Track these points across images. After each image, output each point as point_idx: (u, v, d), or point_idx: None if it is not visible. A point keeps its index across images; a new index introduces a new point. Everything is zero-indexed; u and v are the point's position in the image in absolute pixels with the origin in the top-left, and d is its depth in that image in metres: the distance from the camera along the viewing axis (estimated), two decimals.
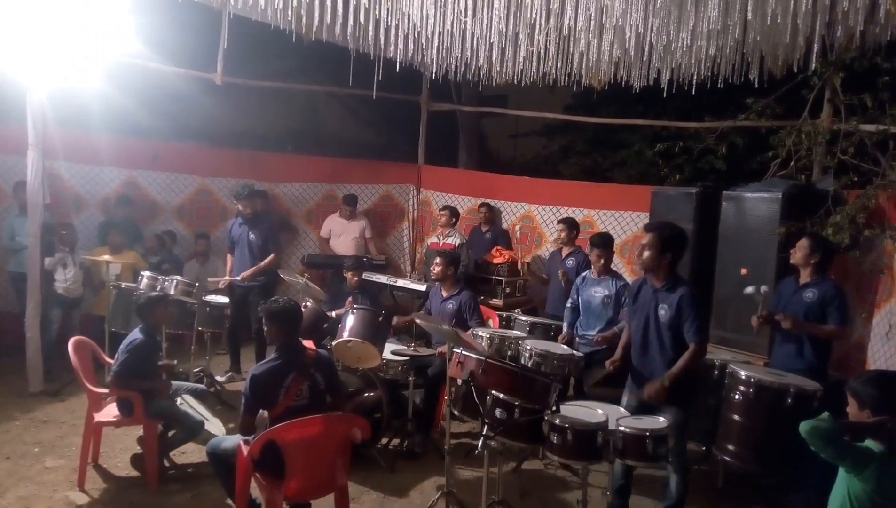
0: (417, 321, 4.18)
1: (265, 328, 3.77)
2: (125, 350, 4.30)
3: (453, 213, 7.69)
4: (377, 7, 5.56)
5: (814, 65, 5.46)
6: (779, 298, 4.68)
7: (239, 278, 6.41)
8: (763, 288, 4.50)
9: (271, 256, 6.53)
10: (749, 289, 4.54)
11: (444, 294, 5.55)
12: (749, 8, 4.75)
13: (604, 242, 5.34)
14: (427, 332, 5.09)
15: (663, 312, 3.80)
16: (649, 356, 3.88)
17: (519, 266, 7.21)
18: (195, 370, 5.98)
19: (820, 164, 5.95)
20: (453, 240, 7.42)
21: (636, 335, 3.97)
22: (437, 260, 5.58)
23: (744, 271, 5.46)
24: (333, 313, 5.69)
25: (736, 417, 4.05)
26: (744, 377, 4.04)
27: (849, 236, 5.01)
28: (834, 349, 4.67)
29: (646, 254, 3.83)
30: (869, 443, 2.63)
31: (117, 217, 7.22)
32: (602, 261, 5.25)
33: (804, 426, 2.58)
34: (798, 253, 4.54)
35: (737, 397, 4.06)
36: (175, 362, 4.96)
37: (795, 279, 4.59)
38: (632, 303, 4.06)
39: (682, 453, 3.87)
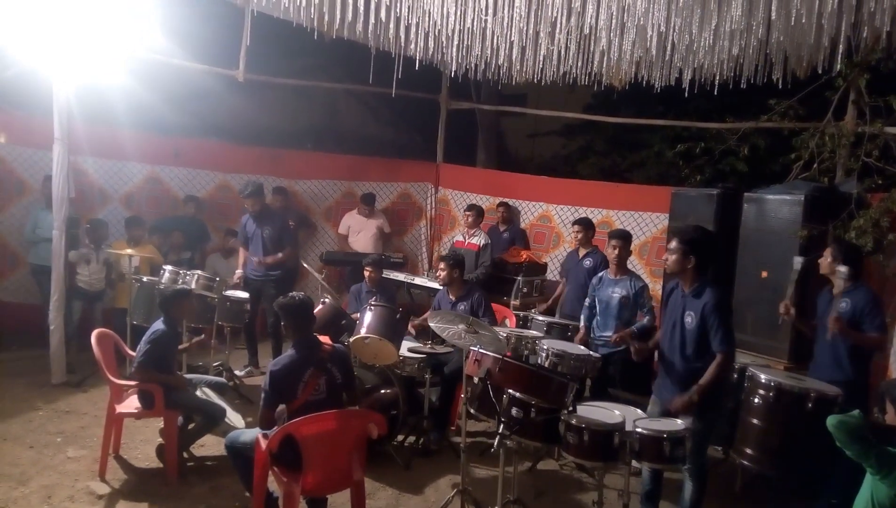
0: (431, 325, 4.17)
1: (283, 323, 3.82)
2: (147, 341, 4.36)
3: (479, 213, 7.63)
4: (398, 5, 5.57)
5: (838, 66, 5.38)
6: (815, 312, 4.59)
7: (256, 262, 6.46)
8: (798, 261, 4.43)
9: (287, 250, 6.58)
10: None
11: (453, 297, 5.53)
12: (773, 7, 4.69)
13: (621, 234, 5.31)
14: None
15: (689, 319, 3.72)
16: (671, 363, 3.83)
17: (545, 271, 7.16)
18: (214, 365, 6.04)
19: (843, 166, 5.87)
20: (478, 240, 7.38)
21: (663, 341, 3.93)
22: (442, 265, 5.56)
23: (764, 273, 5.41)
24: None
25: (755, 421, 4.02)
26: (764, 381, 4.00)
27: (872, 239, 4.94)
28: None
29: (670, 259, 3.79)
30: None
31: (185, 216, 7.38)
32: (617, 252, 5.17)
33: (832, 420, 2.57)
34: (823, 262, 4.42)
35: (756, 400, 4.02)
36: (203, 336, 5.01)
37: (830, 290, 4.44)
38: (663, 306, 4.01)
39: (702, 461, 3.81)
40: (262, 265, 6.48)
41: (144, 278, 6.06)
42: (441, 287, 5.73)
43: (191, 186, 7.78)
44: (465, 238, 7.53)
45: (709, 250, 3.83)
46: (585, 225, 6.32)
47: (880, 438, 2.60)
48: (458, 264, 5.57)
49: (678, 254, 3.75)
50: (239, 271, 6.63)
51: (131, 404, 4.48)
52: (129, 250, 6.04)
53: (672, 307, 3.88)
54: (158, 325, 4.47)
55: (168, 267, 5.92)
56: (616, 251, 5.19)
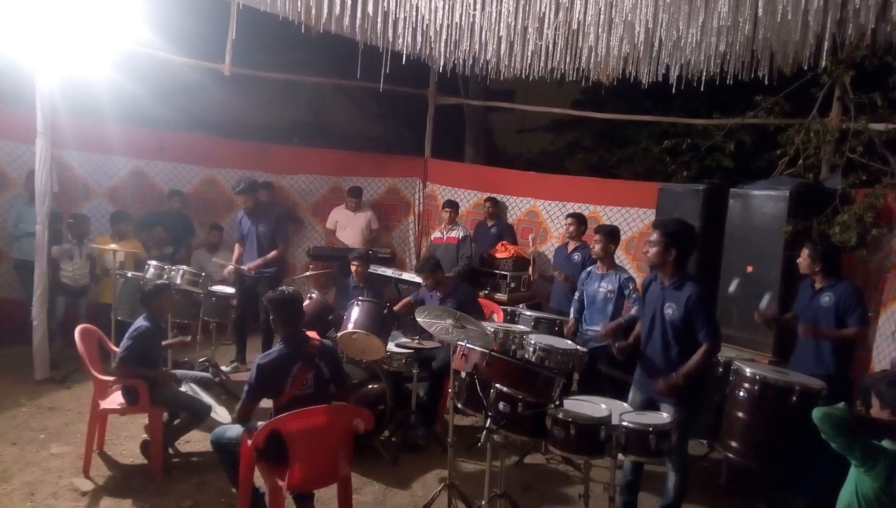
0: (419, 320, 4.16)
1: (271, 318, 3.81)
2: (129, 337, 4.33)
3: (456, 208, 7.72)
4: None
5: (824, 63, 5.42)
6: (797, 303, 4.66)
7: (246, 269, 6.42)
8: (734, 283, 4.55)
9: (279, 248, 6.54)
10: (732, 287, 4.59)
11: (441, 295, 5.53)
12: (759, 4, 4.72)
13: (602, 229, 5.33)
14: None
15: (670, 310, 3.77)
16: (653, 353, 3.88)
17: (530, 268, 7.16)
18: (200, 360, 6.00)
19: (828, 162, 5.92)
20: (457, 233, 7.42)
21: (643, 331, 3.97)
22: (422, 275, 5.59)
23: (750, 268, 5.45)
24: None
25: (740, 414, 4.05)
26: (749, 375, 4.04)
27: (856, 235, 4.99)
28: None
29: (651, 251, 3.83)
30: (885, 442, 2.63)
31: (170, 210, 7.31)
32: (597, 247, 5.21)
33: (817, 412, 2.59)
34: (802, 262, 4.54)
35: (741, 394, 4.06)
36: (189, 337, 4.97)
37: (811, 284, 4.54)
38: (641, 298, 4.05)
39: (683, 451, 3.85)
40: (256, 269, 6.39)
41: (129, 274, 6.01)
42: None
43: (176, 181, 7.71)
44: (443, 234, 7.56)
45: (689, 242, 3.87)
46: (579, 219, 6.38)
47: (863, 430, 2.63)
48: (436, 268, 5.57)
49: (659, 246, 3.79)
50: (230, 267, 6.55)
51: (115, 400, 4.44)
52: (113, 245, 5.99)
53: (651, 299, 3.92)
54: (140, 321, 4.44)
55: (153, 262, 5.87)
56: (596, 246, 5.24)
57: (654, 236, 3.83)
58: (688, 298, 3.69)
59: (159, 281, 5.05)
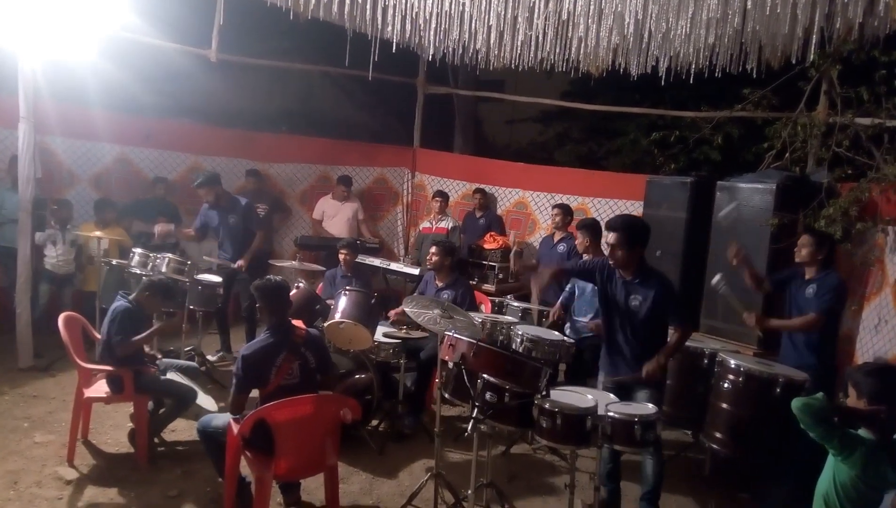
0: (407, 310, 4.15)
1: (258, 306, 3.79)
2: (118, 320, 4.25)
3: (446, 199, 7.74)
4: None
5: (811, 56, 5.44)
6: (788, 296, 4.63)
7: (235, 266, 6.30)
8: (717, 276, 4.58)
9: (258, 235, 6.44)
10: (715, 280, 4.62)
11: (440, 284, 5.53)
12: None
13: (584, 224, 5.38)
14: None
15: (636, 302, 3.87)
16: (619, 343, 3.96)
17: (511, 255, 7.15)
18: (186, 349, 5.97)
19: (814, 156, 5.96)
20: (446, 224, 7.44)
21: (606, 322, 4.05)
22: (434, 250, 5.56)
23: (736, 261, 5.48)
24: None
25: (724, 405, 4.09)
26: (733, 366, 4.07)
27: (841, 228, 5.02)
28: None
29: (617, 254, 3.87)
30: (861, 431, 2.67)
31: (155, 198, 7.22)
32: (578, 241, 5.29)
33: (796, 403, 2.63)
34: (803, 251, 4.40)
35: (726, 385, 4.10)
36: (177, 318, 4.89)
37: (801, 275, 4.49)
38: (600, 291, 4.05)
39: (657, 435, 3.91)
40: (247, 265, 6.27)
41: (113, 261, 5.96)
42: (416, 271, 5.71)
43: (161, 168, 7.63)
44: (432, 224, 7.56)
45: (648, 236, 3.97)
46: (565, 210, 6.43)
47: (841, 420, 2.67)
48: (450, 252, 5.58)
49: (624, 248, 3.84)
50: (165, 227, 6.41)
51: (100, 388, 4.41)
52: (97, 233, 5.92)
53: (613, 291, 3.98)
54: (118, 305, 4.33)
55: (138, 250, 5.80)
56: (578, 240, 5.32)
57: (615, 239, 3.85)
58: (656, 291, 3.83)
59: (172, 278, 4.97)
